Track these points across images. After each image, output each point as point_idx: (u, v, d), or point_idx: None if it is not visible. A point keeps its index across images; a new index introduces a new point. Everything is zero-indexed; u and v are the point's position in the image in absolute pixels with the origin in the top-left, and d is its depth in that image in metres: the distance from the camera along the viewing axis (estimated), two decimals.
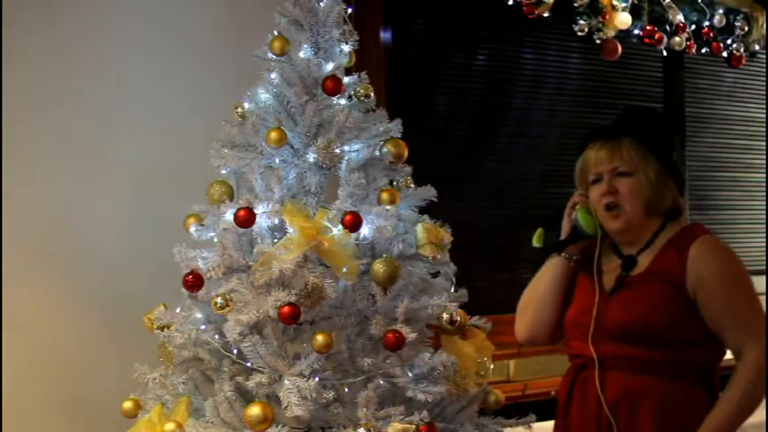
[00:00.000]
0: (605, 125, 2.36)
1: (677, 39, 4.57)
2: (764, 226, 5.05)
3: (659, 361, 2.19)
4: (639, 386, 2.20)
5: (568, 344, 2.33)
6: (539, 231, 2.39)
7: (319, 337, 2.58)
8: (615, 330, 2.20)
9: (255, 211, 2.67)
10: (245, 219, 2.65)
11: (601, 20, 4.30)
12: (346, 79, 2.88)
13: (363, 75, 2.92)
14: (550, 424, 2.66)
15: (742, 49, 4.84)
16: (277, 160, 2.79)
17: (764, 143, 5.11)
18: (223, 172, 2.84)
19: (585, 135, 2.36)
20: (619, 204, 2.24)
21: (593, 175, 2.29)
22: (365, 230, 2.71)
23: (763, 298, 4.83)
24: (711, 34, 4.69)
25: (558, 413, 2.32)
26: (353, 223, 2.65)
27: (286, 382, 2.54)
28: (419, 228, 2.79)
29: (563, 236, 2.30)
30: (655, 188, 2.24)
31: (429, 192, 2.89)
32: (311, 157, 2.75)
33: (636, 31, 4.46)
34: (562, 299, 2.35)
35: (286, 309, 2.54)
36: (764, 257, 5.04)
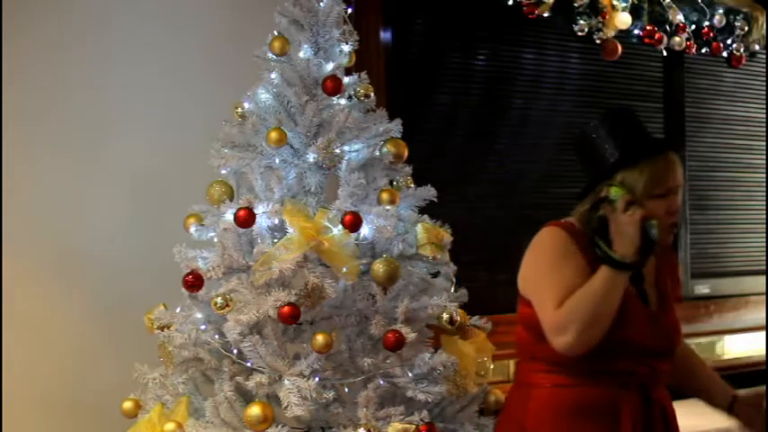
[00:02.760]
0: (660, 138, 2.34)
1: (677, 39, 4.57)
2: (764, 226, 5.05)
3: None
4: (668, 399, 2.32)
5: (609, 362, 2.25)
6: (603, 245, 2.21)
7: (319, 337, 2.58)
8: (669, 349, 2.26)
9: (255, 211, 2.67)
10: (245, 219, 2.65)
11: (601, 20, 4.30)
12: (346, 79, 2.88)
13: (363, 75, 2.92)
14: None
15: (742, 49, 4.84)
16: (277, 160, 2.79)
17: (764, 143, 5.10)
18: (223, 172, 2.84)
19: (649, 145, 2.28)
20: (677, 223, 2.27)
21: (664, 189, 2.24)
22: (365, 230, 2.71)
23: (762, 298, 4.85)
24: (711, 34, 4.69)
25: None
26: (353, 223, 2.65)
27: (286, 382, 2.54)
28: (419, 228, 2.79)
29: (635, 251, 2.21)
30: None
31: (429, 192, 2.89)
32: (311, 157, 2.75)
33: (636, 31, 4.46)
34: None
35: (286, 309, 2.54)
36: (764, 257, 5.04)
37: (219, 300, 2.61)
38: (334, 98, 2.82)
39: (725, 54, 4.82)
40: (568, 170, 4.35)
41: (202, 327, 2.68)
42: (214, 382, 2.75)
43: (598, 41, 4.35)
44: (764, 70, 5.07)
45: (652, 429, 2.25)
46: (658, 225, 2.19)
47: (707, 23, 4.66)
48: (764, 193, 5.05)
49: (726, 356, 4.80)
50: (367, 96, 2.89)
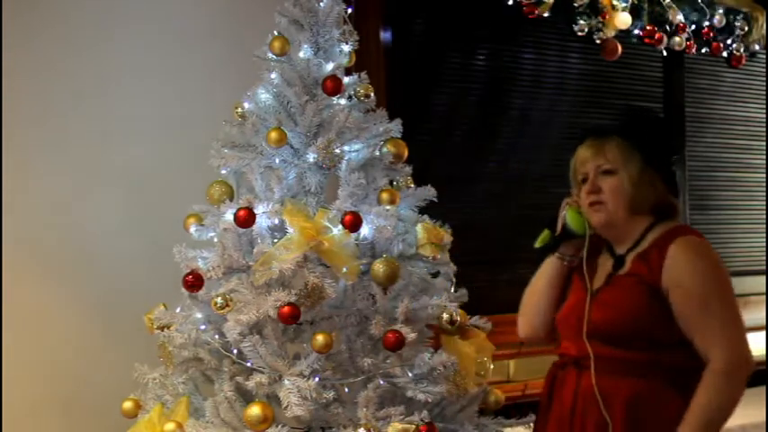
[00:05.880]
0: (596, 124, 2.39)
1: (677, 39, 4.57)
2: (764, 226, 5.05)
3: (631, 361, 2.18)
4: (611, 387, 2.20)
5: (561, 343, 2.34)
6: (545, 233, 2.41)
7: (319, 337, 2.58)
8: (593, 330, 2.21)
9: (255, 211, 2.67)
10: (245, 219, 2.65)
11: (601, 20, 4.31)
12: (346, 79, 2.87)
13: (363, 75, 2.92)
14: None
15: (742, 49, 4.84)
16: (277, 160, 2.79)
17: (764, 143, 5.11)
18: (223, 172, 2.84)
19: (579, 134, 2.39)
20: (602, 202, 2.26)
21: (581, 174, 2.31)
22: (365, 230, 2.71)
23: (762, 298, 4.85)
24: (711, 34, 4.70)
25: (540, 412, 2.32)
26: (353, 223, 2.64)
27: (286, 382, 2.54)
28: (419, 228, 2.79)
29: (557, 235, 2.34)
30: (637, 186, 2.26)
31: (429, 192, 2.89)
32: (311, 157, 2.75)
33: (636, 31, 4.47)
34: (557, 298, 2.36)
35: (286, 309, 2.54)
36: (764, 257, 5.04)
37: (219, 300, 2.61)
38: (334, 98, 2.82)
39: (725, 54, 4.82)
40: (568, 170, 4.34)
41: (202, 327, 2.68)
42: (214, 382, 2.75)
43: (598, 41, 4.35)
44: (764, 70, 5.07)
45: (554, 411, 2.24)
46: (573, 209, 2.32)
47: (707, 23, 4.67)
48: (764, 193, 5.05)
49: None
50: (367, 96, 2.89)
